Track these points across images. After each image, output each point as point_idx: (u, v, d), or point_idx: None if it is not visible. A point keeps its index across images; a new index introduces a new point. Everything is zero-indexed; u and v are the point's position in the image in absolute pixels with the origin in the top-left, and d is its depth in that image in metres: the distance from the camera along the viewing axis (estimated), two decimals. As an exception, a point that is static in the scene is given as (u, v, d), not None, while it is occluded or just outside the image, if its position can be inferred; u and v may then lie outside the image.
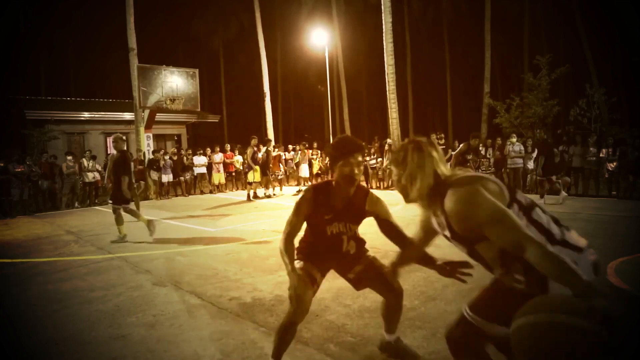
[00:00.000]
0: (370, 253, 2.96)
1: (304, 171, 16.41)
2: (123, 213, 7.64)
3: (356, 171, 2.57)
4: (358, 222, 2.81)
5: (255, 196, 13.91)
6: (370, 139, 19.45)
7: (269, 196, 14.17)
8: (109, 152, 19.22)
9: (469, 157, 11.15)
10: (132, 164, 8.31)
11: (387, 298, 2.85)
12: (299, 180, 16.60)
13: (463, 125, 31.71)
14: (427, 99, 36.45)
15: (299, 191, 15.76)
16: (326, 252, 2.82)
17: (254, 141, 13.82)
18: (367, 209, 2.72)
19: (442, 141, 12.52)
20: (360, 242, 2.93)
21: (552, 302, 1.60)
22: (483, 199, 1.72)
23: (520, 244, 1.64)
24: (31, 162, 13.08)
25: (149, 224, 7.62)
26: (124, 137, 8.01)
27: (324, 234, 2.76)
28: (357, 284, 2.96)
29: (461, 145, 11.45)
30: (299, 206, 2.70)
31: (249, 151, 13.89)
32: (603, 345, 1.45)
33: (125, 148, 7.86)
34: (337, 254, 2.84)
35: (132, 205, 7.94)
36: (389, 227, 2.70)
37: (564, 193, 10.65)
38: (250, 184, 13.93)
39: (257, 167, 13.83)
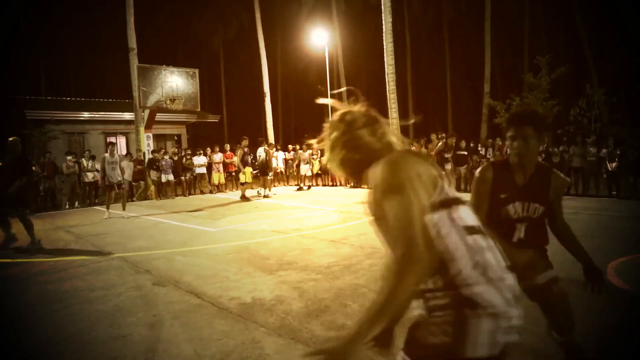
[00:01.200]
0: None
1: (303, 170, 16.91)
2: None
3: (514, 145, 2.27)
4: (543, 204, 2.35)
5: (244, 197, 13.63)
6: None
7: (266, 196, 14.16)
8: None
9: (447, 155, 11.17)
10: (30, 166, 7.86)
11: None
12: (300, 178, 16.85)
13: (463, 125, 31.67)
14: (427, 99, 36.39)
15: (299, 188, 16.14)
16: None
17: (244, 142, 13.68)
18: (550, 194, 2.35)
19: (443, 140, 12.52)
20: (542, 239, 2.46)
21: None
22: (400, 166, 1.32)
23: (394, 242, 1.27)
24: (31, 162, 13.07)
25: (35, 243, 7.31)
26: (19, 139, 7.58)
27: (497, 218, 2.33)
28: (531, 296, 2.43)
29: (439, 144, 11.49)
30: (476, 188, 2.35)
31: (239, 152, 13.80)
32: None
33: (20, 151, 7.43)
34: (506, 241, 2.31)
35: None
36: (554, 218, 2.39)
37: None
38: (243, 184, 13.83)
39: (248, 168, 13.76)
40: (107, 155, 10.72)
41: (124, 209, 10.65)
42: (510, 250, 1.83)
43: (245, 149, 13.76)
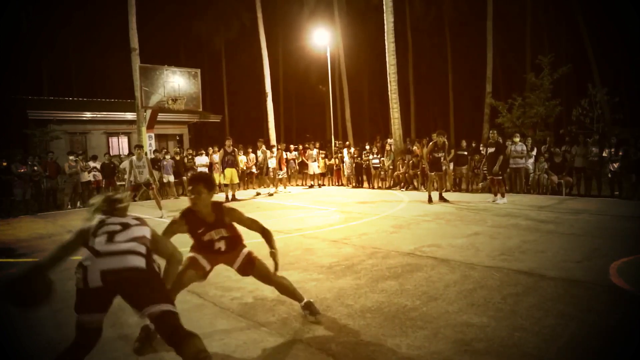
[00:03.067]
0: (246, 249, 3.70)
1: (311, 169, 17.16)
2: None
3: (190, 197, 3.40)
4: (224, 227, 3.53)
5: (234, 198, 13.32)
6: (372, 139, 19.46)
7: (272, 193, 14.52)
8: (107, 153, 19.21)
9: (438, 155, 11.10)
10: None
11: (271, 285, 3.76)
12: (309, 177, 17.37)
13: (465, 125, 31.67)
14: (429, 99, 36.38)
15: (311, 186, 16.85)
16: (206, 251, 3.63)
17: (227, 142, 13.26)
18: (225, 219, 3.49)
19: (446, 142, 12.48)
20: (234, 241, 3.62)
21: None
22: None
23: None
24: (33, 162, 13.11)
25: None
26: None
27: (201, 241, 3.57)
28: (242, 273, 3.74)
29: (429, 145, 11.46)
30: (170, 226, 3.54)
31: (220, 153, 13.35)
32: None
33: None
34: (212, 252, 3.60)
35: None
36: (249, 225, 3.57)
37: (504, 199, 10.66)
38: (226, 185, 13.37)
39: (230, 170, 13.27)
40: (134, 158, 10.67)
41: (160, 209, 10.47)
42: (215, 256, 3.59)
43: (228, 149, 13.21)
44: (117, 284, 2.47)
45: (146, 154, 13.60)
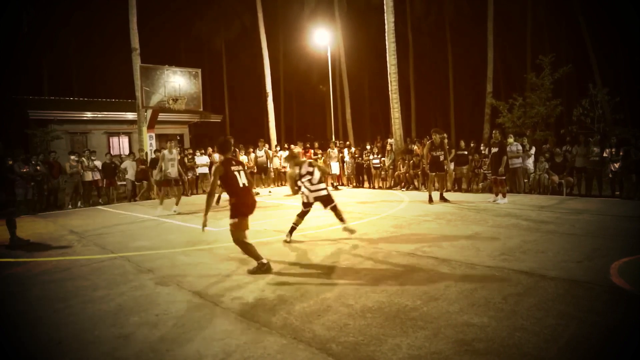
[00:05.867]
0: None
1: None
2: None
3: None
4: None
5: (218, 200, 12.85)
6: (372, 139, 19.46)
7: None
8: (108, 153, 19.22)
9: (437, 153, 11.07)
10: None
11: None
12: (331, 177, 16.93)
13: (466, 125, 31.66)
14: (430, 99, 36.35)
15: (335, 187, 16.31)
16: None
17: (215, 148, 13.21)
18: None
19: (445, 140, 12.45)
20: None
21: None
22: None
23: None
24: (37, 162, 13.10)
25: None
26: None
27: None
28: None
29: (427, 144, 11.46)
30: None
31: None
32: None
33: None
34: None
35: None
36: None
37: (505, 199, 10.65)
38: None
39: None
40: (165, 151, 11.05)
41: (177, 204, 10.89)
42: None
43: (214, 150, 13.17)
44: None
45: (132, 154, 13.59)
